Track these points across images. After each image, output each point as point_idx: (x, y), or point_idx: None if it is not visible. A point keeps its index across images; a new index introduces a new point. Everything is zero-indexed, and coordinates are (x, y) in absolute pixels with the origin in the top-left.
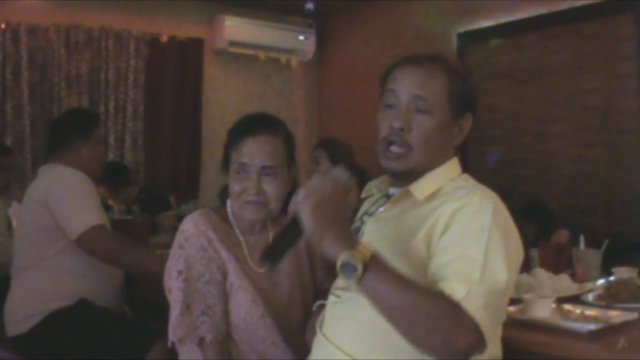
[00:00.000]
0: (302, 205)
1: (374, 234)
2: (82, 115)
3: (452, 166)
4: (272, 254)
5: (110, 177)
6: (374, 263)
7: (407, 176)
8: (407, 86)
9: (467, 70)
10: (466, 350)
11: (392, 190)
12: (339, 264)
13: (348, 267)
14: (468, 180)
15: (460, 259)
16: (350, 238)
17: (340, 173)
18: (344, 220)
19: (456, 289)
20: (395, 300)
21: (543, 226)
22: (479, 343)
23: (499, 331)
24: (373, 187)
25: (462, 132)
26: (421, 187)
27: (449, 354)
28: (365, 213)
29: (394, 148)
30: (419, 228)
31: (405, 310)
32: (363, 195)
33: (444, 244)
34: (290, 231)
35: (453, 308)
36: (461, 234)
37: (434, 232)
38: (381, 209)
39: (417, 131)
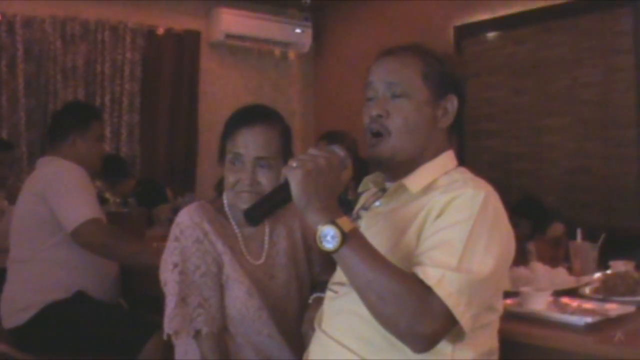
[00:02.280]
0: (294, 171)
1: (370, 227)
2: (80, 108)
3: (447, 159)
4: (254, 214)
5: (107, 170)
6: (352, 237)
7: (393, 166)
8: (381, 76)
9: (447, 54)
10: (431, 336)
11: (388, 185)
12: (318, 233)
13: (326, 237)
14: (464, 173)
15: (440, 247)
16: (335, 211)
17: (338, 149)
18: (332, 194)
19: (430, 274)
20: (368, 276)
21: (538, 221)
22: (449, 330)
23: (493, 324)
24: (370, 182)
25: (447, 113)
26: (415, 180)
27: (414, 338)
28: (362, 207)
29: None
30: (412, 221)
31: (376, 287)
32: (360, 190)
33: (430, 233)
34: (278, 195)
35: (424, 292)
36: (447, 222)
37: (425, 223)
38: (377, 203)
39: (396, 115)
